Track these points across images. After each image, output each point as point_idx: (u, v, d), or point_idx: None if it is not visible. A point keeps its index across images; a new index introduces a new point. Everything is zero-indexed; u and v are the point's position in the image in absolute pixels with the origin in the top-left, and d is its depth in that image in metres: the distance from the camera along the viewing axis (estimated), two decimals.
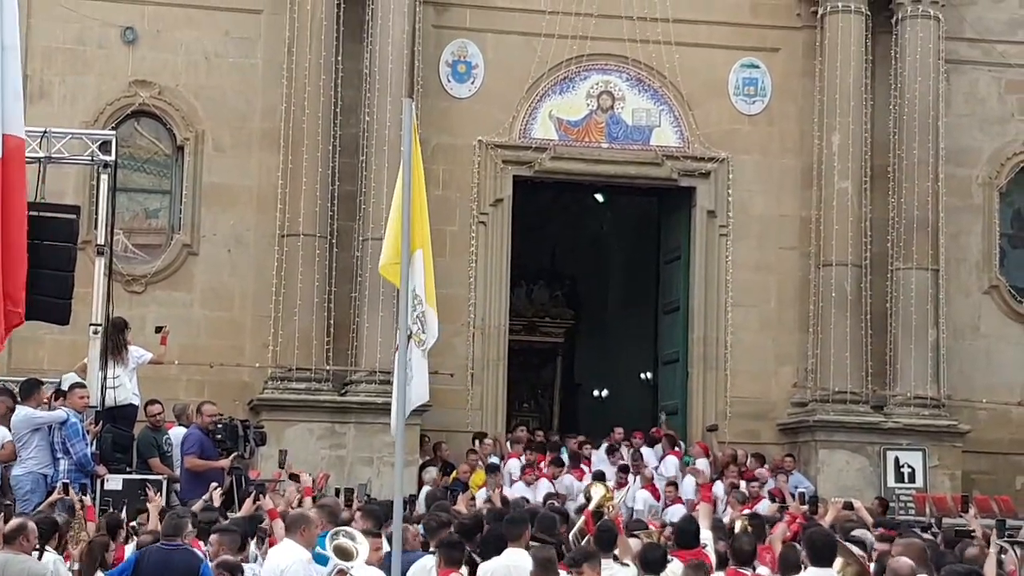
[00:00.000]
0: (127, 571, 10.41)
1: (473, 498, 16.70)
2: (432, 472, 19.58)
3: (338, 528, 10.14)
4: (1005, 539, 12.00)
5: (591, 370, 30.44)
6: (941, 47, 22.13)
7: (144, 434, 16.02)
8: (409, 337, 9.17)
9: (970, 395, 22.30)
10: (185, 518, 10.69)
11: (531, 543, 10.48)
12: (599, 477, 18.59)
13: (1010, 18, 23.30)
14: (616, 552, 10.61)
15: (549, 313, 29.74)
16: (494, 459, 20.00)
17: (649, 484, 19.85)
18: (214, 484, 13.81)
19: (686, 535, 11.20)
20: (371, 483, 19.13)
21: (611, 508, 12.90)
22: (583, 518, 12.37)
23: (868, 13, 22.07)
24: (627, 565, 10.66)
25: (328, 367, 20.49)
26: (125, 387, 15.87)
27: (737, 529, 11.36)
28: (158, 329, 17.48)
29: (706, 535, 11.55)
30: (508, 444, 20.95)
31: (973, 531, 12.90)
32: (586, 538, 11.59)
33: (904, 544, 10.29)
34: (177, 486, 15.35)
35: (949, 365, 21.93)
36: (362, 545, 9.74)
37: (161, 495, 13.76)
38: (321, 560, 10.08)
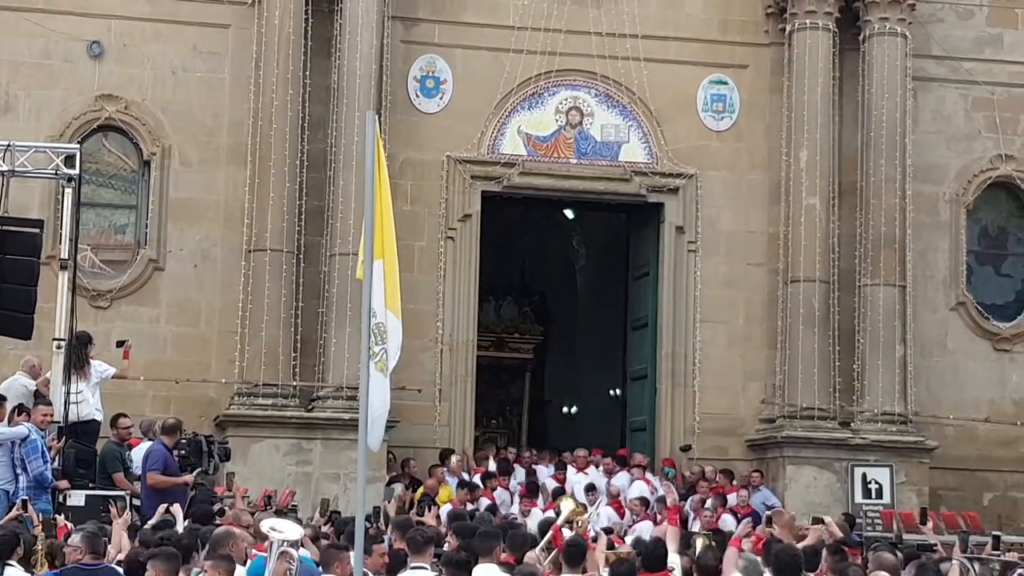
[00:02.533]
0: None
1: (439, 515, 16.63)
2: (399, 488, 19.51)
3: (268, 526, 10.09)
4: (967, 555, 12.01)
5: (560, 386, 30.42)
6: (908, 64, 22.22)
7: (110, 448, 15.92)
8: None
9: (937, 411, 22.35)
10: (101, 538, 10.46)
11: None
12: (559, 492, 18.55)
13: (977, 36, 23.41)
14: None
15: (518, 329, 29.70)
16: (466, 476, 19.97)
17: (615, 501, 19.82)
18: (163, 506, 13.66)
19: (653, 558, 11.12)
20: (337, 499, 19.05)
21: (580, 522, 12.85)
22: (551, 532, 12.30)
23: (835, 30, 22.14)
24: None
25: (295, 383, 20.40)
26: (88, 402, 15.75)
27: (698, 547, 11.31)
28: (120, 343, 17.40)
29: (674, 559, 11.48)
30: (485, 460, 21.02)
31: (934, 545, 12.90)
32: (553, 553, 11.54)
33: (876, 561, 10.30)
34: (137, 502, 15.23)
35: (916, 381, 21.97)
36: (288, 527, 9.77)
37: (129, 512, 13.63)
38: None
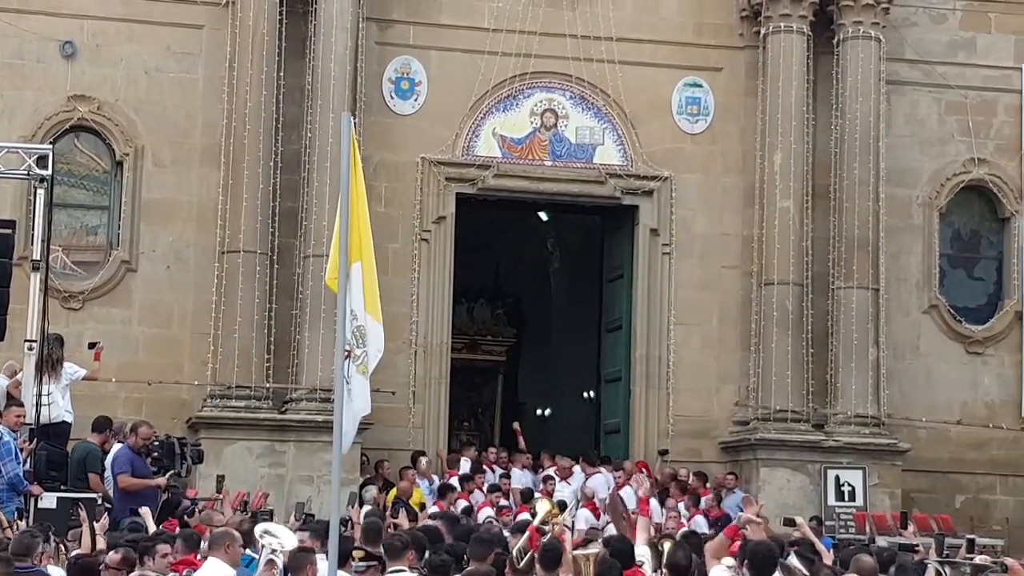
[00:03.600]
0: None
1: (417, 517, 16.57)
2: (372, 491, 19.45)
3: (263, 529, 10.04)
4: (940, 559, 12.03)
5: (534, 388, 30.37)
6: (882, 68, 22.28)
7: (93, 449, 15.79)
8: (348, 354, 9.08)
9: (910, 414, 22.42)
10: (37, 538, 10.36)
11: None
12: (529, 495, 18.51)
13: (950, 40, 23.49)
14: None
15: (491, 331, 29.63)
16: (453, 481, 19.93)
17: (590, 503, 19.81)
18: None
19: (621, 555, 11.11)
20: (311, 502, 18.99)
21: (556, 524, 12.81)
22: (527, 534, 12.25)
23: (810, 34, 22.19)
24: None
25: (268, 385, 20.33)
26: (58, 404, 15.66)
27: (665, 551, 11.31)
28: (91, 345, 17.32)
29: (642, 551, 11.47)
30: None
31: (917, 546, 12.91)
32: (528, 555, 11.48)
33: (855, 564, 10.33)
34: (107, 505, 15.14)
35: (889, 384, 22.03)
36: (285, 535, 9.74)
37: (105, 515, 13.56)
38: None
